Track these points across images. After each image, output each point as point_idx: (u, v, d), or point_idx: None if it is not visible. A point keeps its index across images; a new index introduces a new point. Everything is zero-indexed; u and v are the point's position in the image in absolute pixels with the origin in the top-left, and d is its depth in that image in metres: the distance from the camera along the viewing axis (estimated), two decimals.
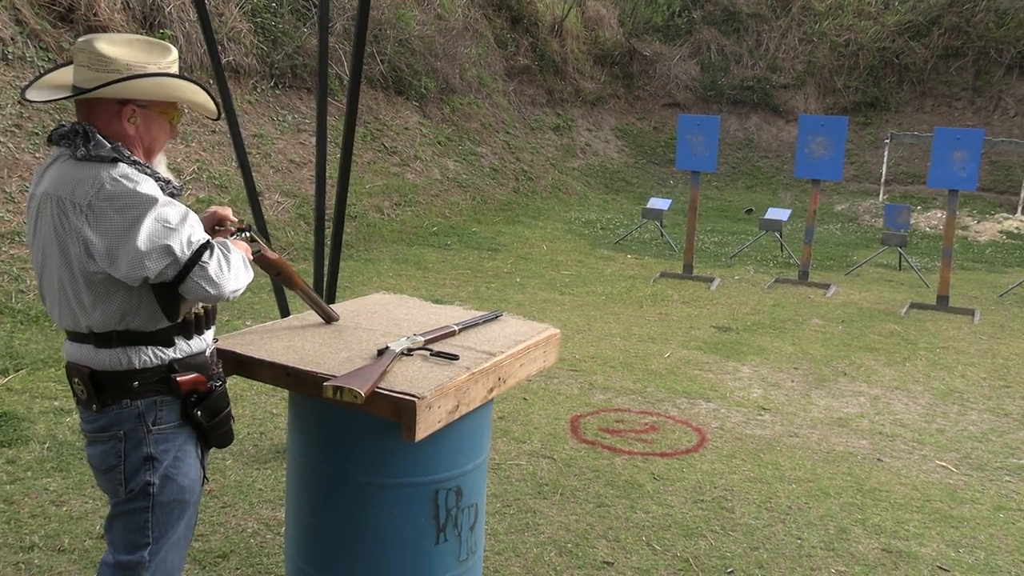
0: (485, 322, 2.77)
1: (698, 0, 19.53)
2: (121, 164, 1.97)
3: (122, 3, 8.92)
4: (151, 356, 2.07)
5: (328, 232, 4.26)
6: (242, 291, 2.11)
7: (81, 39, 2.01)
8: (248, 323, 6.17)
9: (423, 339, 2.46)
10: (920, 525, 3.84)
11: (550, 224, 12.18)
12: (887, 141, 15.17)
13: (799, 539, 3.65)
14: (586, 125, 17.37)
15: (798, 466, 4.42)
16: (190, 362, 2.12)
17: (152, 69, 2.01)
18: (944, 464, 4.56)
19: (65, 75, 2.08)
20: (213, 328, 2.25)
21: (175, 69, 2.08)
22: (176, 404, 2.11)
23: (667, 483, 4.13)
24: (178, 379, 2.09)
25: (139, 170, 2.00)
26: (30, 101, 2.07)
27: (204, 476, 2.25)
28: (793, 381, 5.88)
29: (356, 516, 2.36)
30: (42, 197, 2.01)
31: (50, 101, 2.07)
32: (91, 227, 1.92)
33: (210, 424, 2.18)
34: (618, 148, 17.38)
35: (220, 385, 2.22)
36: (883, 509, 3.97)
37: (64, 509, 3.52)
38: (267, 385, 4.51)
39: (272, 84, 10.73)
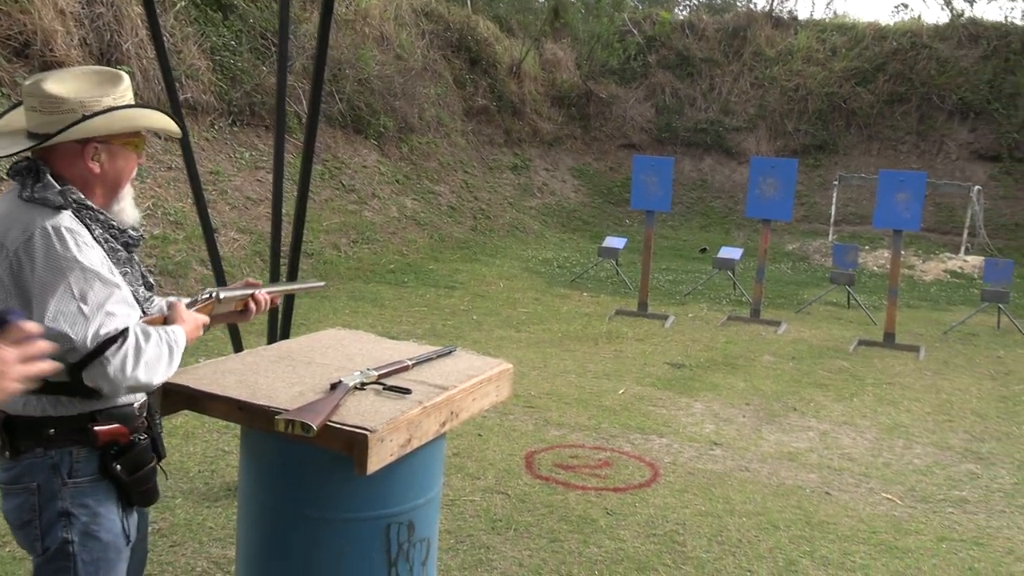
0: (439, 357, 2.80)
1: (653, 44, 20.00)
2: (63, 214, 1.85)
3: (79, 39, 8.90)
4: (71, 404, 1.90)
5: (283, 269, 4.28)
6: (153, 385, 1.92)
7: (28, 81, 1.93)
8: (201, 360, 6.11)
9: (376, 373, 2.49)
10: (866, 556, 3.92)
11: (507, 262, 12.27)
12: (836, 183, 15.60)
13: (749, 571, 3.71)
14: (543, 165, 17.59)
15: (748, 500, 4.49)
16: (114, 412, 1.96)
17: (107, 103, 1.92)
18: (890, 497, 4.66)
19: (17, 118, 1.98)
20: None
21: (129, 97, 2.00)
22: (94, 456, 1.95)
23: (620, 518, 4.17)
24: (95, 429, 1.92)
25: (87, 222, 1.89)
26: None
27: (127, 536, 2.04)
28: (744, 416, 5.97)
29: (307, 551, 2.35)
30: None
31: (10, 155, 1.92)
32: (11, 275, 1.81)
33: (131, 479, 1.99)
34: (575, 188, 17.61)
35: (144, 439, 2.05)
36: (831, 541, 4.05)
37: (7, 550, 3.45)
38: (219, 423, 4.44)
39: (230, 121, 10.74)
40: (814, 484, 4.78)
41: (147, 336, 1.89)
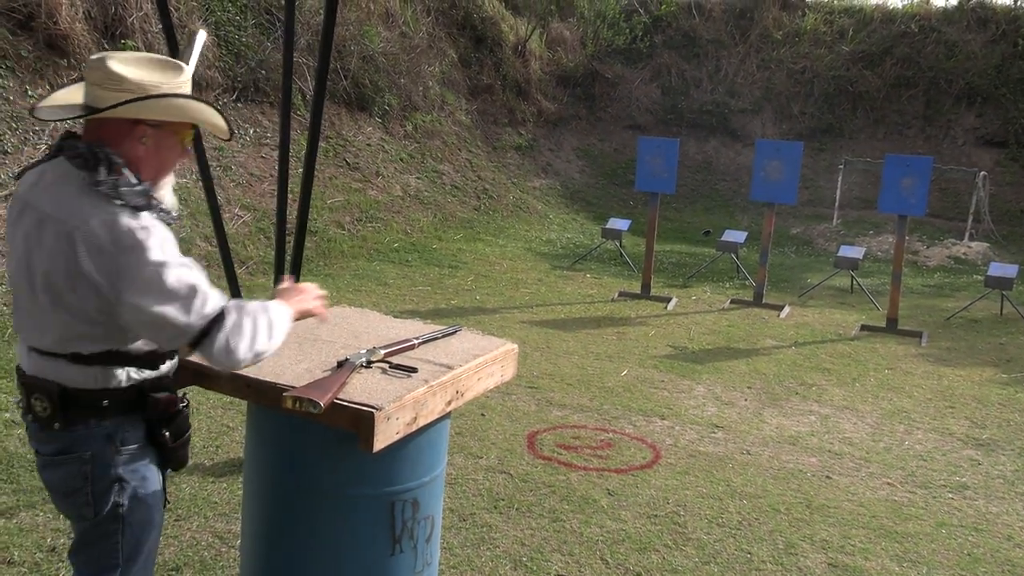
0: (444, 336, 2.81)
1: (659, 25, 19.86)
2: (143, 215, 1.90)
3: (83, 12, 8.85)
4: (126, 376, 2.01)
5: (289, 247, 4.28)
6: (263, 356, 2.03)
7: (94, 57, 1.98)
8: None
9: (383, 352, 2.50)
10: (866, 540, 3.94)
11: (511, 242, 12.26)
12: (841, 167, 15.52)
13: (749, 553, 3.73)
14: (548, 145, 17.52)
15: (749, 482, 4.51)
16: (158, 383, 2.08)
17: (165, 89, 1.97)
18: (890, 482, 4.68)
19: (76, 93, 2.04)
20: None
21: (187, 89, 2.05)
22: (140, 425, 2.06)
23: (621, 499, 4.19)
24: (156, 397, 2.05)
25: (158, 218, 1.94)
26: (42, 120, 2.00)
27: (165, 498, 2.20)
28: (746, 400, 5.99)
29: (312, 527, 2.37)
30: (40, 215, 1.93)
31: (62, 120, 2.03)
32: (101, 272, 1.85)
33: (174, 445, 2.13)
34: (579, 168, 17.55)
35: (185, 406, 2.18)
36: (830, 525, 4.08)
37: (14, 522, 3.48)
38: (223, 399, 4.46)
39: (234, 97, 10.69)
40: (815, 468, 4.80)
41: (243, 310, 1.99)
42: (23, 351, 2.05)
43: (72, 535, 2.16)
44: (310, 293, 2.31)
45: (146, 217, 1.90)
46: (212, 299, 1.93)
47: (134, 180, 1.93)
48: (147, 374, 2.05)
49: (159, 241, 1.88)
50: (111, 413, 2.00)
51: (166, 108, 1.99)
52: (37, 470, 2.11)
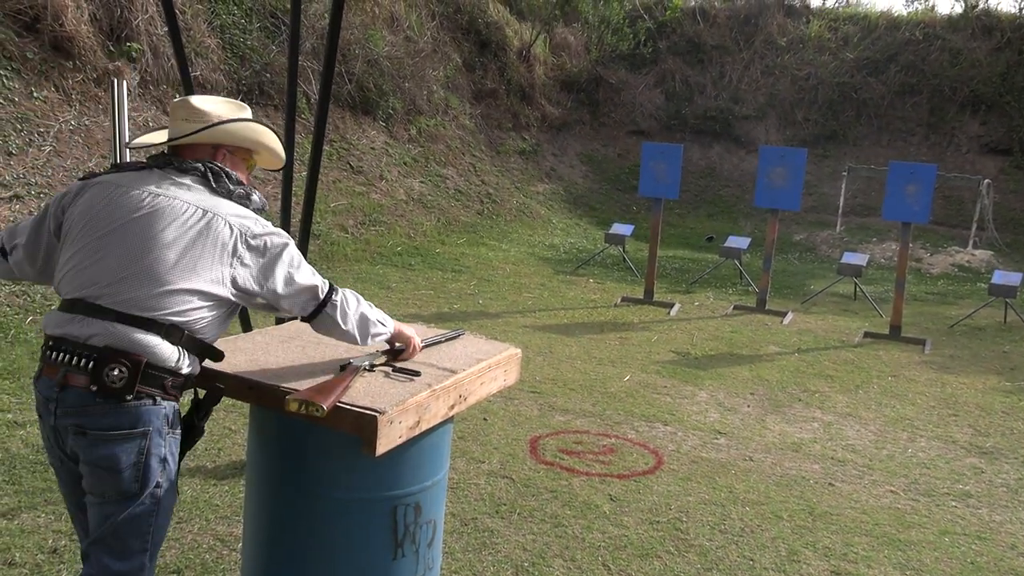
0: (447, 340, 2.80)
1: (664, 30, 19.87)
2: (255, 199, 2.33)
3: (89, 14, 8.87)
4: (188, 363, 2.16)
5: None
6: (366, 334, 2.38)
7: (177, 99, 2.35)
8: None
9: (385, 356, 2.49)
10: (868, 548, 3.93)
11: (514, 247, 12.26)
12: (845, 174, 15.51)
13: (751, 560, 3.72)
14: (551, 150, 17.53)
15: (752, 489, 4.50)
16: (191, 376, 2.21)
17: (236, 116, 2.34)
18: (893, 489, 4.67)
19: (161, 135, 2.39)
20: None
21: (266, 125, 2.44)
22: (177, 410, 2.19)
23: (623, 504, 4.18)
24: (216, 384, 2.29)
25: (263, 212, 2.34)
26: (135, 147, 2.47)
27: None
28: (749, 406, 5.98)
29: (314, 531, 2.37)
30: (167, 199, 2.15)
31: (155, 144, 2.37)
32: (254, 254, 2.19)
33: (197, 437, 2.32)
34: (583, 173, 17.56)
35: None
36: (833, 532, 4.06)
37: (15, 523, 3.48)
38: (225, 401, 4.49)
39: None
40: (817, 475, 4.79)
41: (346, 290, 2.37)
42: (86, 324, 2.03)
43: (75, 536, 2.16)
44: (415, 342, 2.57)
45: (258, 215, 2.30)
46: (321, 277, 2.32)
47: (255, 196, 2.33)
48: (198, 364, 2.22)
49: (286, 236, 2.27)
50: (171, 393, 2.12)
51: (241, 130, 2.34)
52: (80, 449, 2.05)
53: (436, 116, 14.56)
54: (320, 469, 2.34)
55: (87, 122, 8.33)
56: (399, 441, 2.20)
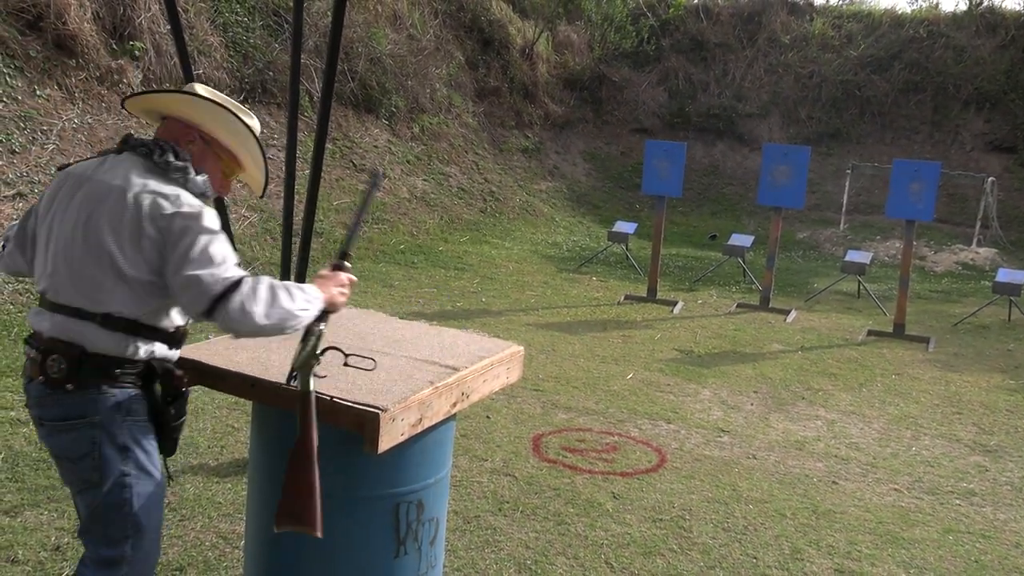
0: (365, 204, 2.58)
1: (667, 28, 19.83)
2: (195, 179, 2.13)
3: (92, 12, 8.87)
4: (144, 350, 2.10)
5: (295, 248, 4.27)
6: (296, 323, 2.10)
7: (186, 86, 2.25)
8: (211, 336, 6.13)
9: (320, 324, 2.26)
10: (872, 546, 3.92)
11: (517, 245, 12.25)
12: (848, 171, 15.47)
13: (754, 558, 3.71)
14: (555, 148, 17.51)
15: (755, 487, 4.49)
16: (165, 364, 2.17)
17: (233, 111, 2.21)
18: (897, 487, 4.66)
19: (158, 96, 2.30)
20: None
21: (255, 127, 2.26)
22: (145, 400, 2.14)
23: (626, 502, 4.18)
24: (174, 372, 2.16)
25: (203, 196, 2.15)
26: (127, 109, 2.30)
27: (168, 477, 2.27)
28: (752, 404, 5.97)
29: None
30: (107, 187, 2.06)
31: (138, 94, 2.24)
32: (161, 232, 2.01)
33: (173, 425, 2.22)
34: (586, 171, 17.54)
35: (187, 392, 2.27)
36: (837, 530, 4.05)
37: (18, 520, 3.48)
38: (228, 399, 4.44)
39: (242, 98, 10.70)
40: (821, 473, 4.78)
41: (261, 280, 2.06)
42: (44, 317, 2.10)
43: (78, 521, 2.19)
44: (339, 280, 2.30)
45: (198, 181, 2.14)
46: (234, 269, 2.04)
47: (198, 177, 2.14)
48: (161, 352, 2.14)
49: (212, 214, 2.06)
50: (122, 382, 2.08)
51: (225, 123, 2.19)
52: (41, 439, 2.15)
53: (439, 114, 14.55)
54: (322, 467, 2.33)
55: (90, 120, 8.34)
56: (401, 439, 2.20)
